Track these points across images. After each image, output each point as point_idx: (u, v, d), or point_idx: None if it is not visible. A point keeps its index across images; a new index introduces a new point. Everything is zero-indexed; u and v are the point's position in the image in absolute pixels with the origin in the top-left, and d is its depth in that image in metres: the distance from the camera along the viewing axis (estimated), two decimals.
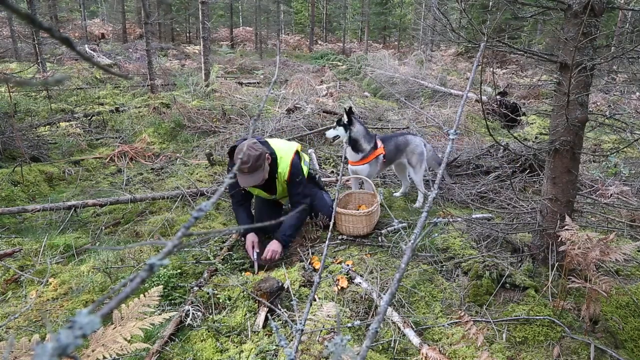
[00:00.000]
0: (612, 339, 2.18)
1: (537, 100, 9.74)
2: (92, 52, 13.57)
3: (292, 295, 2.44)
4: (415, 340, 2.13)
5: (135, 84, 9.24)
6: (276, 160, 3.08)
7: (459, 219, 3.38)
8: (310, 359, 1.86)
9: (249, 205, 3.37)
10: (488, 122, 6.71)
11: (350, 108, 3.60)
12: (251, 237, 3.05)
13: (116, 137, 6.21)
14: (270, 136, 5.86)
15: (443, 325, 2.28)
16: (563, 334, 2.15)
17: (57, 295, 2.51)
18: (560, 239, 2.20)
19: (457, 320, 2.23)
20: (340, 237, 3.26)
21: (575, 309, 2.29)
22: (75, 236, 3.33)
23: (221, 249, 3.13)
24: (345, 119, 3.61)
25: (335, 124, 3.72)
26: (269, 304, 2.37)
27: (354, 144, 3.62)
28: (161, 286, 2.04)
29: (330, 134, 3.74)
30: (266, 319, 2.33)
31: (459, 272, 2.77)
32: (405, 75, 11.07)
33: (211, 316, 2.37)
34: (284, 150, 3.16)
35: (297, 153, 3.22)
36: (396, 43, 25.14)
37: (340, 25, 27.22)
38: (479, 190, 4.20)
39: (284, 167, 3.10)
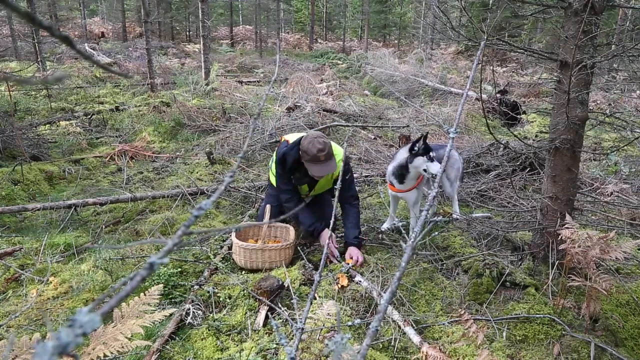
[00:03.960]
0: (612, 337, 2.18)
1: (537, 99, 9.73)
2: (92, 50, 13.56)
3: (293, 294, 2.44)
4: (416, 338, 2.13)
5: (135, 82, 9.24)
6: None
7: (459, 217, 3.38)
8: (310, 357, 1.86)
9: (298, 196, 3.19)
10: (488, 121, 6.71)
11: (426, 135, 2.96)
12: (328, 233, 2.88)
13: (116, 136, 6.21)
14: (270, 135, 5.86)
15: (443, 324, 2.28)
16: (563, 332, 2.15)
17: (57, 294, 2.51)
18: (560, 237, 2.20)
19: (458, 319, 2.23)
20: (340, 236, 3.26)
21: (575, 308, 2.29)
22: (75, 235, 3.33)
23: (221, 247, 3.13)
24: (419, 146, 2.88)
25: (415, 155, 2.91)
26: (269, 303, 2.38)
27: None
28: (161, 285, 2.04)
29: (431, 167, 2.86)
30: (266, 317, 2.33)
31: (459, 270, 2.77)
32: (405, 74, 11.06)
33: (211, 315, 2.37)
34: (337, 146, 3.09)
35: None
36: (396, 41, 25.12)
37: (340, 23, 27.19)
38: (479, 189, 4.20)
39: (338, 162, 3.00)
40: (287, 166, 2.96)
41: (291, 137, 3.14)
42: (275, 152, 3.23)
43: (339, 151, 3.04)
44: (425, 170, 2.88)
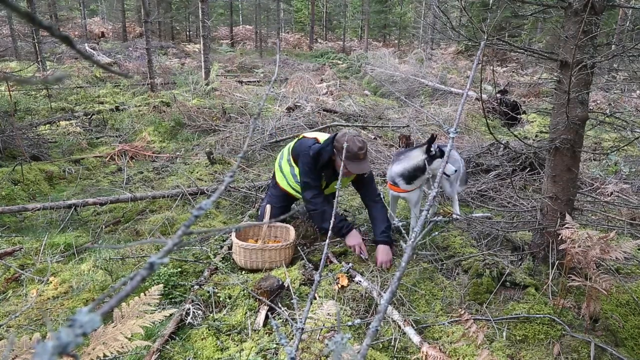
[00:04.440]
0: (613, 337, 2.18)
1: (538, 99, 9.74)
2: (92, 50, 13.56)
3: (293, 294, 2.44)
4: (416, 338, 2.13)
5: (135, 82, 9.24)
6: None
7: (459, 217, 3.38)
8: (310, 357, 1.86)
9: (329, 203, 3.13)
10: (488, 121, 6.70)
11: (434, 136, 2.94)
12: (357, 234, 2.96)
13: (116, 136, 6.21)
14: (271, 135, 5.86)
15: (443, 324, 2.28)
16: (563, 332, 2.15)
17: (57, 294, 2.51)
18: (560, 237, 2.20)
19: (458, 319, 2.23)
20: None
21: (575, 307, 2.29)
22: (75, 235, 3.33)
23: (221, 247, 3.13)
24: (435, 148, 2.92)
25: (433, 157, 2.95)
26: (269, 303, 2.38)
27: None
28: (162, 285, 2.04)
29: (447, 169, 2.95)
30: (266, 317, 2.33)
31: (459, 270, 2.77)
32: (405, 74, 11.06)
33: (211, 315, 2.37)
34: None
35: None
36: (396, 41, 25.12)
37: (340, 23, 27.19)
38: (479, 189, 4.20)
39: None
40: (319, 163, 2.99)
41: (317, 135, 3.19)
42: (290, 150, 3.24)
43: None
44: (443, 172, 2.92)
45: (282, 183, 3.31)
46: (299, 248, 2.99)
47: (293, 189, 3.28)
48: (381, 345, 2.16)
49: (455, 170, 3.14)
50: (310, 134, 3.28)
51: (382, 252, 2.84)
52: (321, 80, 10.96)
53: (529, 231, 3.04)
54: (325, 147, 2.97)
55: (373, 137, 6.55)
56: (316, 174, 3.03)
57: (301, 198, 3.32)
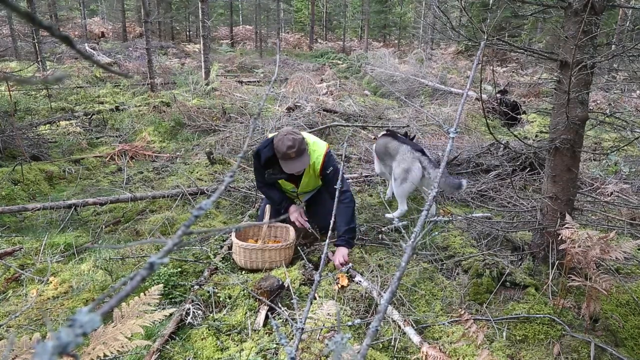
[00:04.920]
0: (612, 337, 2.18)
1: (538, 99, 9.73)
2: (92, 50, 13.56)
3: (293, 294, 2.44)
4: (416, 338, 2.13)
5: (135, 82, 9.24)
6: (307, 149, 2.98)
7: (459, 217, 3.38)
8: (310, 357, 1.86)
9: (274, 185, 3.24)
10: (488, 121, 6.71)
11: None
12: (295, 208, 3.09)
13: (116, 136, 6.21)
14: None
15: (443, 324, 2.28)
16: (563, 332, 2.15)
17: (57, 293, 2.51)
18: (560, 237, 2.20)
19: (458, 319, 2.23)
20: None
21: (575, 307, 2.29)
22: (75, 235, 3.33)
23: (221, 247, 3.13)
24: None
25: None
26: (269, 303, 2.38)
27: None
28: (162, 285, 2.05)
29: None
30: (266, 317, 2.33)
31: (459, 270, 2.77)
32: (405, 74, 11.06)
33: (211, 315, 2.37)
34: (318, 141, 3.09)
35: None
36: (396, 41, 25.11)
37: (340, 23, 27.19)
38: (479, 189, 4.20)
39: (317, 157, 3.00)
40: (261, 162, 3.00)
41: (271, 134, 3.16)
42: None
43: (318, 147, 3.03)
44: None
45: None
46: (299, 248, 2.99)
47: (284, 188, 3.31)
48: (381, 345, 2.16)
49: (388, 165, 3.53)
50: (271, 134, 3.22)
51: (338, 254, 2.85)
52: (321, 80, 10.96)
53: (529, 231, 3.04)
54: (264, 147, 2.96)
55: (373, 137, 6.55)
56: (260, 171, 3.08)
57: (297, 200, 3.36)
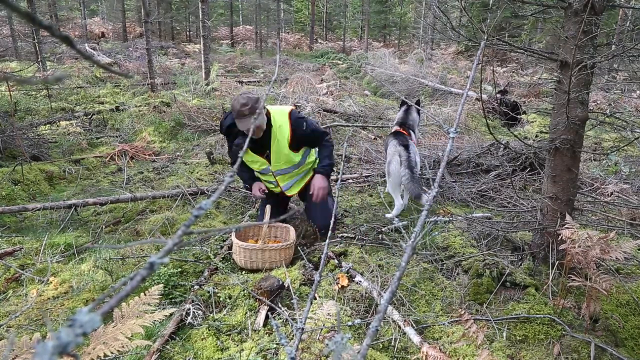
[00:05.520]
0: (613, 337, 2.18)
1: (538, 99, 9.73)
2: (92, 50, 13.56)
3: (293, 294, 2.44)
4: (416, 338, 2.13)
5: (135, 82, 9.24)
6: (270, 115, 2.98)
7: (459, 217, 3.38)
8: (310, 357, 1.86)
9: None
10: (488, 121, 6.70)
11: None
12: (258, 185, 3.20)
13: (116, 136, 6.21)
14: None
15: (443, 324, 2.28)
16: (563, 332, 2.15)
17: (57, 294, 2.52)
18: (560, 237, 2.20)
19: (458, 319, 2.23)
20: (340, 235, 3.26)
21: (575, 308, 2.29)
22: (75, 235, 3.33)
23: (222, 247, 3.13)
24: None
25: None
26: (269, 303, 2.38)
27: None
28: (162, 285, 2.05)
29: None
30: (267, 317, 2.33)
31: (459, 270, 2.77)
32: (405, 74, 11.06)
33: (212, 315, 2.37)
34: (282, 107, 3.11)
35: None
36: (396, 41, 25.11)
37: (340, 23, 27.18)
38: (479, 189, 4.20)
39: (282, 121, 2.99)
40: (224, 132, 3.14)
41: None
42: None
43: (281, 110, 3.07)
44: None
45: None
46: (299, 248, 2.99)
47: (264, 178, 3.32)
48: (381, 345, 2.16)
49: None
50: None
51: (318, 179, 3.00)
52: (321, 80, 10.96)
53: (529, 231, 3.04)
54: (224, 118, 3.12)
55: (373, 137, 6.55)
56: (230, 147, 3.19)
57: (278, 186, 3.35)
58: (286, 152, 3.07)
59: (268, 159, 3.10)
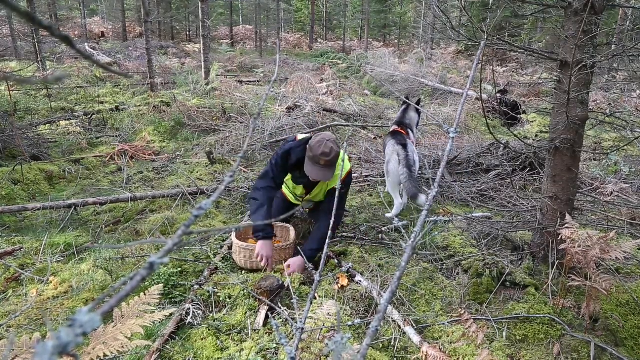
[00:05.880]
0: (612, 337, 2.18)
1: (538, 99, 9.73)
2: (92, 50, 13.55)
3: (293, 294, 2.44)
4: (416, 338, 2.13)
5: (135, 82, 9.24)
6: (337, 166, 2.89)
7: (459, 217, 3.38)
8: (310, 357, 1.86)
9: (272, 201, 2.99)
10: (488, 120, 6.71)
11: None
12: (268, 249, 2.74)
13: (116, 136, 6.21)
14: (271, 135, 5.86)
15: (443, 324, 2.28)
16: (563, 332, 2.15)
17: (57, 293, 2.51)
18: (560, 237, 2.20)
19: (458, 319, 2.23)
20: (340, 235, 3.26)
21: (575, 307, 2.29)
22: (75, 235, 3.33)
23: (221, 247, 3.13)
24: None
25: None
26: (269, 303, 2.38)
27: None
28: (161, 284, 2.05)
29: None
30: (267, 317, 2.33)
31: (459, 270, 2.77)
32: (405, 74, 11.07)
33: (212, 315, 2.37)
34: (346, 158, 3.06)
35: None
36: (396, 41, 25.11)
37: (340, 23, 27.18)
38: (479, 189, 4.20)
39: (343, 170, 2.94)
40: (289, 162, 2.91)
41: (303, 136, 3.09)
42: None
43: (347, 165, 3.04)
44: None
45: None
46: (299, 248, 2.99)
47: (291, 192, 3.28)
48: (381, 345, 2.16)
49: None
50: (300, 135, 3.14)
51: (296, 260, 2.76)
52: (321, 80, 10.96)
53: (529, 231, 3.04)
54: (297, 147, 2.88)
55: (373, 137, 6.55)
56: (280, 170, 2.93)
57: (300, 204, 3.33)
58: (321, 197, 3.18)
59: (308, 190, 3.16)
